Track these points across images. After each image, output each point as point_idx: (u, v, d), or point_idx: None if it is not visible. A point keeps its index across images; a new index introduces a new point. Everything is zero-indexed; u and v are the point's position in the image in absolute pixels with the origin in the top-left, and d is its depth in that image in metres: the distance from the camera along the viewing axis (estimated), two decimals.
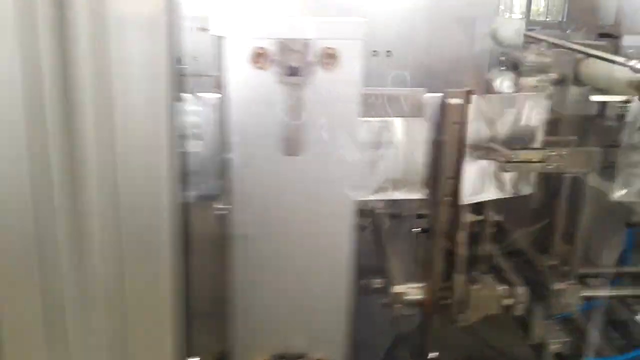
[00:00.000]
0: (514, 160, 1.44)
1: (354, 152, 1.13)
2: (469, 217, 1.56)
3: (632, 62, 1.36)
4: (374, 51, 1.93)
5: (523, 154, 1.44)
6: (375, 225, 1.94)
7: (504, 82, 1.87)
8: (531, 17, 3.43)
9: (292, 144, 1.07)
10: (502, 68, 1.93)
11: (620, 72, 1.46)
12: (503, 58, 1.92)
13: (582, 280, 1.64)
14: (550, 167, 1.44)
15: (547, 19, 3.47)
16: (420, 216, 1.85)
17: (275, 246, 1.20)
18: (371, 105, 1.44)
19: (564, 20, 2.97)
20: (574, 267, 1.60)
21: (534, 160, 1.44)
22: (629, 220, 1.77)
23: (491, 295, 1.60)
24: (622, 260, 1.83)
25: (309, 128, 1.10)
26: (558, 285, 1.55)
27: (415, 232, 1.85)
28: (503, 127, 1.48)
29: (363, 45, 1.07)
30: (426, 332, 1.71)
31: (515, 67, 1.83)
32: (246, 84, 1.07)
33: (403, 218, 1.89)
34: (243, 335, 1.25)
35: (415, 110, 1.44)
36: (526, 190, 1.58)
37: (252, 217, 1.19)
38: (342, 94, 1.09)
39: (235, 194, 1.17)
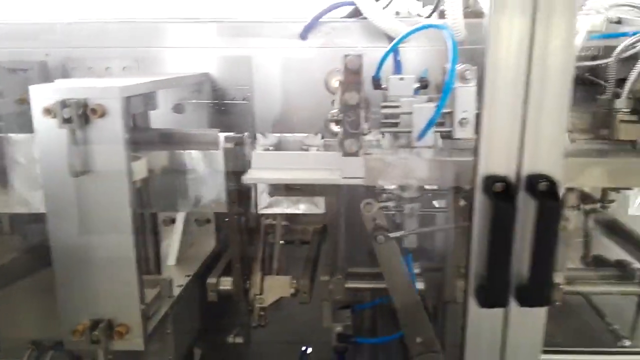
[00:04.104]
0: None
1: (125, 176, 1.64)
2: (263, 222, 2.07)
3: None
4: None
5: None
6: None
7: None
8: None
9: (73, 168, 1.59)
10: None
11: None
12: None
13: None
14: None
15: None
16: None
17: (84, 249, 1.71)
18: (175, 141, 1.98)
19: None
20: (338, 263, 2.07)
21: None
22: None
23: (279, 283, 2.08)
24: None
25: (91, 157, 1.63)
26: (324, 277, 2.02)
27: None
28: None
29: (122, 102, 1.58)
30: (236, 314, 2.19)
31: None
32: (44, 129, 1.61)
33: None
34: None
35: (211, 147, 1.96)
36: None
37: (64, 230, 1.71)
38: (110, 136, 1.60)
39: (48, 212, 1.70)
